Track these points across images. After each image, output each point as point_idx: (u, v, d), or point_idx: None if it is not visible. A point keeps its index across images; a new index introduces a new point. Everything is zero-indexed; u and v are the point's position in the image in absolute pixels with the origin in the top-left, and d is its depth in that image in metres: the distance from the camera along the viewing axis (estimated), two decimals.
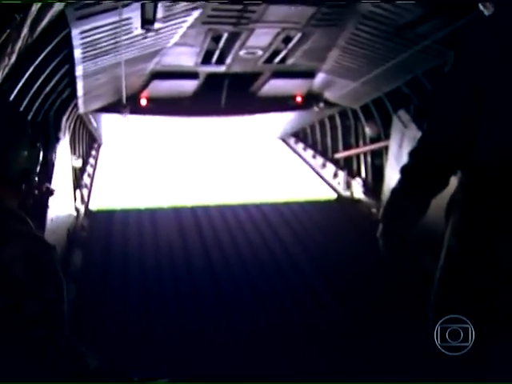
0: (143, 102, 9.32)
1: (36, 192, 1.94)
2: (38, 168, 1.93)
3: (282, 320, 5.77)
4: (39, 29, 4.40)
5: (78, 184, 9.47)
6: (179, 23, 6.12)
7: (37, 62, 5.08)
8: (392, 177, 8.56)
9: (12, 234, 1.72)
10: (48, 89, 6.18)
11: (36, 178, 1.91)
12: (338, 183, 11.02)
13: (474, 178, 2.30)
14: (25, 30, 4.07)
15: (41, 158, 1.90)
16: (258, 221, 8.97)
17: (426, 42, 6.10)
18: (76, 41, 5.43)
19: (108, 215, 9.23)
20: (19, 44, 4.16)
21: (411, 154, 2.29)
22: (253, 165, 12.29)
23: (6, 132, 1.82)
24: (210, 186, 10.82)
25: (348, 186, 10.62)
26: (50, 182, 6.09)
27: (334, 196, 10.57)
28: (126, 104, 8.38)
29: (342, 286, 6.60)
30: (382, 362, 4.41)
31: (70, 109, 8.14)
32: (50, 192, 2.10)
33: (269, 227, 8.67)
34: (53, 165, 6.70)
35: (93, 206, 9.63)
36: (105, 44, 5.90)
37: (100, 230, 8.67)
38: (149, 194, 10.25)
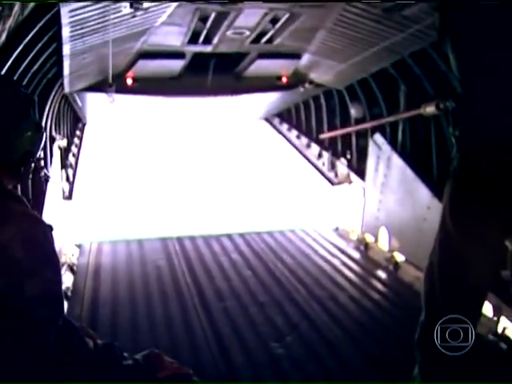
0: (129, 81, 9.27)
1: (32, 176, 1.96)
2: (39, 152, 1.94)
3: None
4: (29, 6, 4.37)
5: (63, 164, 9.46)
6: (168, 1, 6.09)
7: (26, 41, 5.03)
8: (370, 200, 8.75)
9: (9, 214, 1.72)
10: (35, 67, 6.13)
11: (37, 162, 1.93)
12: (323, 164, 11.13)
13: (467, 160, 2.41)
14: (16, 7, 4.03)
15: (43, 141, 1.91)
16: (242, 249, 9.49)
17: (413, 24, 6.16)
18: (65, 19, 5.38)
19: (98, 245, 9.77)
20: (10, 21, 4.13)
21: None
22: (239, 147, 12.31)
23: (10, 113, 1.80)
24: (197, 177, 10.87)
25: (332, 166, 10.73)
26: (46, 166, 6.06)
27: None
28: (112, 83, 8.31)
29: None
30: None
31: (55, 88, 8.07)
32: (46, 178, 2.12)
33: (253, 254, 9.15)
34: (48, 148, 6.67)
35: (81, 239, 9.90)
36: (93, 23, 5.85)
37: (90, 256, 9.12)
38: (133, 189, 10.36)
